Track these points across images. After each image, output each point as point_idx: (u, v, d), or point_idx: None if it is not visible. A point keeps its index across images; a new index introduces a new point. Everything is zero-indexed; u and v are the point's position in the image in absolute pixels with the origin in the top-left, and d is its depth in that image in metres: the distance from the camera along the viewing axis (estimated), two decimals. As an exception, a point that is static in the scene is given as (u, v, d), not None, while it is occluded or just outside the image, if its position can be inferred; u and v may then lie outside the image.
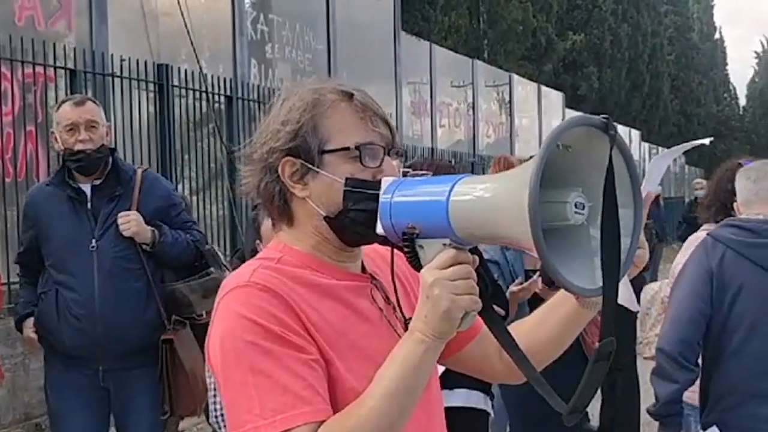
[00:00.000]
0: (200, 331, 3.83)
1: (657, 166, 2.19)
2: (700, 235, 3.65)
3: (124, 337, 3.53)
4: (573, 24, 26.23)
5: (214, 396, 2.92)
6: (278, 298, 1.40)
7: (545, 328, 1.63)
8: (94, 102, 3.74)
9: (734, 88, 51.27)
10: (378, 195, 1.42)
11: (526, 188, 1.19)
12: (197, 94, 8.32)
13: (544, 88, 21.25)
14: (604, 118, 1.28)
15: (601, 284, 1.28)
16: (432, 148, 14.14)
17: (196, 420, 5.48)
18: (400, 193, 1.40)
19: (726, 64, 50.07)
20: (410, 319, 1.46)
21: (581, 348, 4.23)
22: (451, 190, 1.32)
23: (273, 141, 1.49)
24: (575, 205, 1.29)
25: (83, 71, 6.89)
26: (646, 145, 31.71)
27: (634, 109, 30.88)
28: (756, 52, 55.14)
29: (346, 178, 1.46)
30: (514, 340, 1.45)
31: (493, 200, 1.27)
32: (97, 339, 3.51)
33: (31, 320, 3.69)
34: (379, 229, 1.41)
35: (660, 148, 32.95)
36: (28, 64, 6.32)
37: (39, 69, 6.44)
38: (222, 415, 2.89)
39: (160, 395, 3.60)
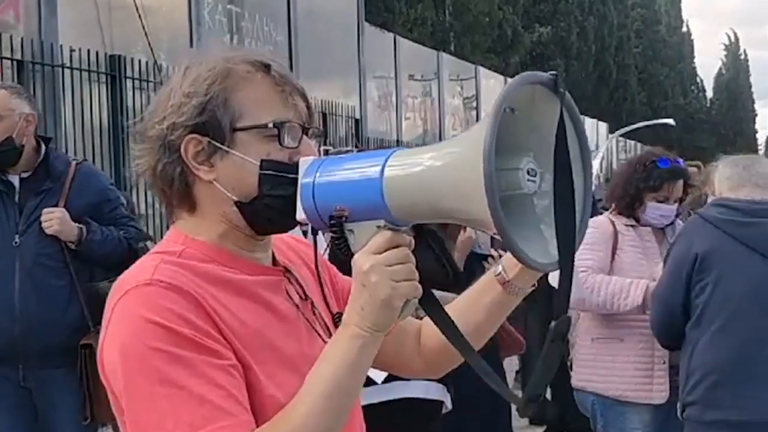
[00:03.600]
0: None
1: None
2: (598, 218, 3.66)
3: (43, 336, 3.37)
4: (539, 16, 26.35)
5: None
6: (187, 297, 1.24)
7: (471, 315, 1.49)
8: (6, 89, 3.54)
9: (701, 81, 51.84)
10: (296, 179, 1.28)
11: (478, 156, 1.08)
12: (152, 85, 8.17)
13: (510, 81, 21.24)
14: (552, 74, 1.19)
15: (555, 258, 1.20)
16: (397, 141, 14.07)
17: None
18: (324, 174, 1.25)
19: (693, 57, 50.56)
20: (339, 313, 1.36)
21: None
22: (384, 166, 1.20)
23: (175, 115, 1.30)
24: (528, 172, 1.19)
25: (31, 62, 6.72)
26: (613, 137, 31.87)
27: (601, 102, 31.03)
28: (724, 45, 55.72)
29: (262, 160, 1.30)
30: (458, 330, 1.33)
31: (437, 173, 1.16)
32: (15, 338, 3.36)
33: None
34: (300, 215, 1.27)
35: (627, 141, 33.18)
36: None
37: (-16, 60, 6.27)
38: None
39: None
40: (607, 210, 3.85)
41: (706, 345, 3.00)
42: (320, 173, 1.26)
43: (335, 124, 10.98)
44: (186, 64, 1.35)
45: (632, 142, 33.35)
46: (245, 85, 1.32)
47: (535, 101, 1.19)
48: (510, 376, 6.99)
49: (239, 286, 1.32)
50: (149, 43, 7.98)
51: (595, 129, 28.96)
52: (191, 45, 9.20)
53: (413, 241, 1.25)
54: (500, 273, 1.46)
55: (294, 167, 1.29)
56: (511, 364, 6.47)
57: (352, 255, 1.23)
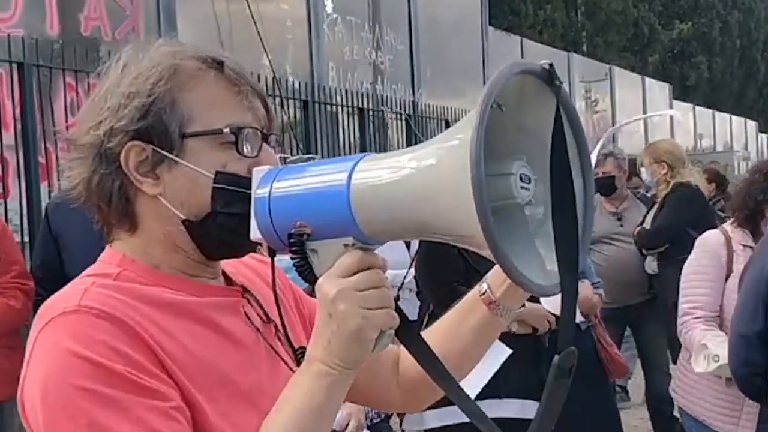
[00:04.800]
0: None
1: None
2: (711, 234, 3.30)
3: None
4: (679, 12, 25.41)
5: None
6: (122, 326, 1.07)
7: (456, 341, 1.34)
8: None
9: None
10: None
11: (464, 161, 0.93)
12: (277, 100, 8.24)
13: (648, 80, 20.48)
14: (546, 64, 1.02)
15: (555, 279, 1.03)
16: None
17: None
18: (281, 184, 1.10)
19: None
20: (302, 348, 1.18)
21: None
22: (351, 173, 1.04)
23: (113, 119, 1.15)
24: (520, 178, 1.03)
25: (151, 80, 6.90)
26: (764, 136, 30.24)
27: (749, 99, 29.55)
28: None
29: (217, 172, 1.15)
30: (442, 365, 1.17)
31: (414, 181, 1.00)
32: None
33: None
34: (255, 234, 1.11)
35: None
36: (94, 74, 6.33)
37: (105, 79, 6.46)
38: None
39: None
40: (725, 218, 3.52)
41: None
42: (277, 184, 1.10)
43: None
44: (124, 60, 1.20)
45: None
46: (196, 85, 1.17)
47: (524, 96, 1.03)
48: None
49: (186, 309, 1.16)
50: (268, 59, 8.07)
51: (743, 128, 27.54)
52: (311, 59, 9.25)
53: (387, 262, 1.09)
54: (485, 292, 1.28)
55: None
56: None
57: (316, 279, 1.07)
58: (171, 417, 1.06)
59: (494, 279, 1.27)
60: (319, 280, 1.06)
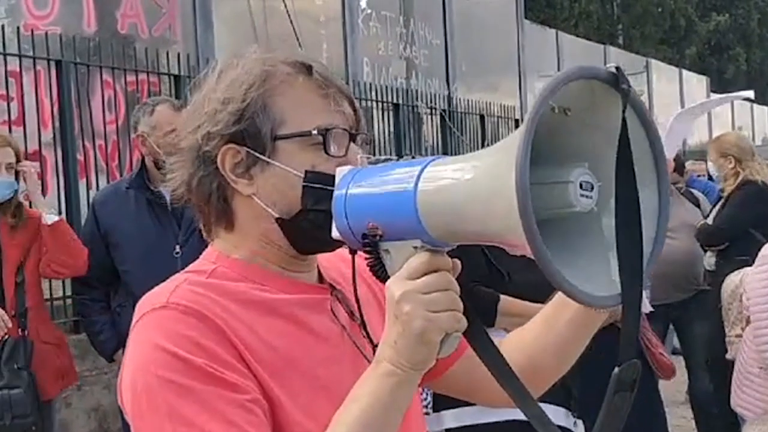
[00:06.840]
0: None
1: (680, 125, 1.65)
2: None
3: None
4: (716, 4, 25.07)
5: None
6: (205, 322, 1.13)
7: (551, 335, 1.34)
8: (169, 104, 3.61)
9: None
10: None
11: (510, 167, 0.91)
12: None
13: (685, 73, 20.21)
14: (613, 67, 0.99)
15: (619, 290, 1.00)
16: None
17: None
18: (357, 185, 1.11)
19: None
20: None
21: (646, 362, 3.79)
22: (419, 176, 1.04)
23: (210, 124, 1.21)
24: (580, 186, 1.00)
25: (187, 77, 6.88)
26: (804, 129, 29.75)
27: (789, 92, 29.06)
28: None
29: (306, 171, 1.20)
30: (510, 368, 1.15)
31: (473, 185, 0.99)
32: None
33: (121, 351, 3.58)
34: (335, 233, 1.14)
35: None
36: (131, 71, 6.34)
37: (142, 76, 6.46)
38: None
39: None
40: None
41: None
42: (352, 185, 1.11)
43: (494, 126, 10.72)
44: (220, 68, 1.26)
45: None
46: (286, 89, 1.22)
47: (595, 101, 0.99)
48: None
49: (273, 306, 1.21)
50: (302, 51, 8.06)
51: (782, 120, 27.11)
52: (345, 54, 9.22)
53: (458, 264, 1.08)
54: None
55: None
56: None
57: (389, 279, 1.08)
58: (247, 409, 1.10)
59: None
60: (388, 282, 1.08)
